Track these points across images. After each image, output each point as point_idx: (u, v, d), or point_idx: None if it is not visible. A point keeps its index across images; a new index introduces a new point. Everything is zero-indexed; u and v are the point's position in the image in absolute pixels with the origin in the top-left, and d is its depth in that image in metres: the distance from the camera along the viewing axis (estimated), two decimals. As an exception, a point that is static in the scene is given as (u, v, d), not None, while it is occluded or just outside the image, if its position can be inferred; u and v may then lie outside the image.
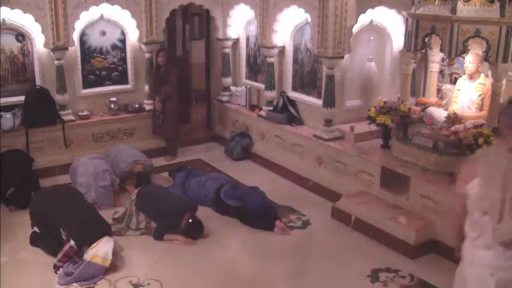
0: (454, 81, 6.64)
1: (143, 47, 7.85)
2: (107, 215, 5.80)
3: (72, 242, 4.91)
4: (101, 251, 4.91)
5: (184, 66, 9.32)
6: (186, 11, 9.46)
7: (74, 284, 4.80)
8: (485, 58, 5.48)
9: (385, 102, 6.26)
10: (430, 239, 5.37)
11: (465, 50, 5.50)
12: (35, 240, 5.39)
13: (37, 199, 5.60)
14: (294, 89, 7.60)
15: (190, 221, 5.59)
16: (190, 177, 6.71)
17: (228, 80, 8.78)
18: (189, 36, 9.81)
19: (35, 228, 5.41)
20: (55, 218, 5.15)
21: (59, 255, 4.93)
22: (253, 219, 5.91)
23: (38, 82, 7.21)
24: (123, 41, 7.82)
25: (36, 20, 6.91)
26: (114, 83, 7.88)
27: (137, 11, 7.60)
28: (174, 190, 6.52)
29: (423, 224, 5.40)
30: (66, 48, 7.14)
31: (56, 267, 4.95)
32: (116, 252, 5.19)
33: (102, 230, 5.22)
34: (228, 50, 8.68)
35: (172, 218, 5.62)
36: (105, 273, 4.91)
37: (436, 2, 5.55)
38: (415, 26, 5.78)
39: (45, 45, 7.07)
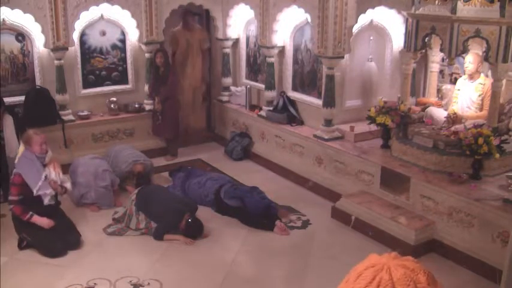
0: (454, 81, 6.63)
1: (143, 47, 7.85)
2: (107, 215, 5.80)
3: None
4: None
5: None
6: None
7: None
8: (485, 58, 5.48)
9: (385, 102, 6.27)
10: (430, 239, 5.38)
11: (465, 50, 5.50)
12: (31, 245, 5.38)
13: None
14: (294, 89, 7.60)
15: (190, 220, 5.60)
16: (190, 178, 6.71)
17: (228, 80, 8.78)
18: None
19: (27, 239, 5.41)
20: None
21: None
22: (253, 219, 5.91)
23: (38, 82, 7.21)
24: (123, 41, 7.82)
25: (36, 20, 6.91)
26: (114, 83, 7.88)
27: (137, 11, 7.60)
28: (174, 190, 6.53)
29: (423, 224, 5.40)
30: (66, 48, 7.14)
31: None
32: (116, 252, 5.18)
33: None
34: (228, 50, 8.68)
35: (172, 218, 5.61)
36: (104, 272, 4.93)
37: (436, 2, 5.55)
38: (415, 26, 5.78)
39: (45, 45, 7.08)
